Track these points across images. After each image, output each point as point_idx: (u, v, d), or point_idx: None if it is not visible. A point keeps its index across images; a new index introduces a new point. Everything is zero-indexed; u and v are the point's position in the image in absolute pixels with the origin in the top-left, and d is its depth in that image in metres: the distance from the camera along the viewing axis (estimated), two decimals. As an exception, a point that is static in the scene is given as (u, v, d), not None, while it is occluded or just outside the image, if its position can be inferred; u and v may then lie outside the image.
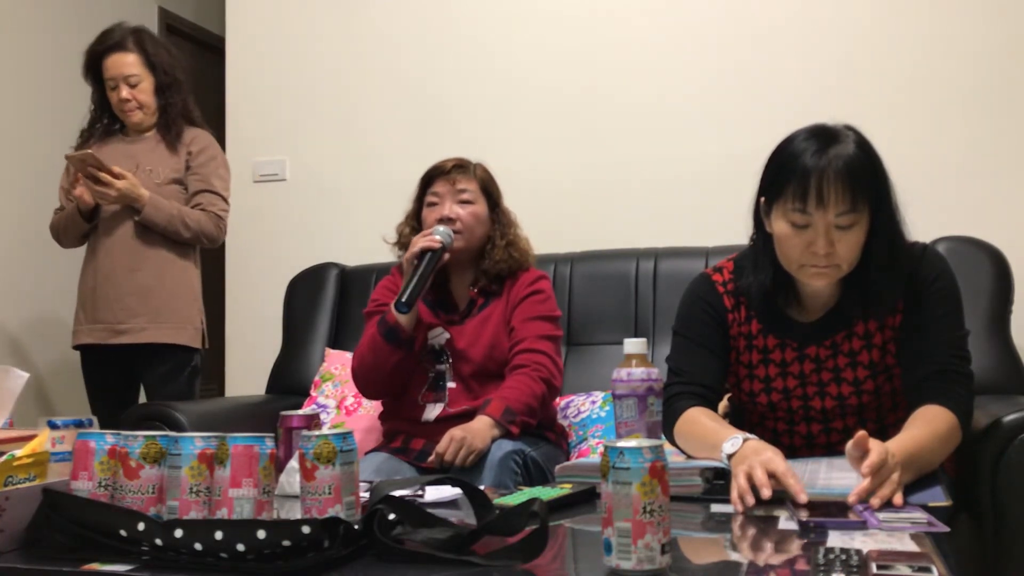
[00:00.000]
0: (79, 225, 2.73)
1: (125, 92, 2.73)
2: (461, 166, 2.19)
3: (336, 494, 1.18)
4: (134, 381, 2.80)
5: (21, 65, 3.65)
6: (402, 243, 2.22)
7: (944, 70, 2.71)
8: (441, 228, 2.10)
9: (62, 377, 3.61)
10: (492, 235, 2.18)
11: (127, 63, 2.73)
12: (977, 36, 2.69)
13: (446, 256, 2.09)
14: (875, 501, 1.26)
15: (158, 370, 2.72)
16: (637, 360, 1.53)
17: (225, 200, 2.80)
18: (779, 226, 1.55)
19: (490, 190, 2.21)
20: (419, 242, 2.07)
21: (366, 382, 2.15)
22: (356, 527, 1.10)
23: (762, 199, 1.61)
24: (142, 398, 2.85)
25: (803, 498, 1.28)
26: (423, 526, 1.17)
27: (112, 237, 2.69)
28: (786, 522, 1.23)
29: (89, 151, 2.61)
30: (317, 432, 1.21)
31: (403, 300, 2.00)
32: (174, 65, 2.81)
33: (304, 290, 2.91)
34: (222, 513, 1.17)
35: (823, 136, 1.53)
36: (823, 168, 1.49)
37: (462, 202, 2.15)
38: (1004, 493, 1.64)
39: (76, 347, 2.80)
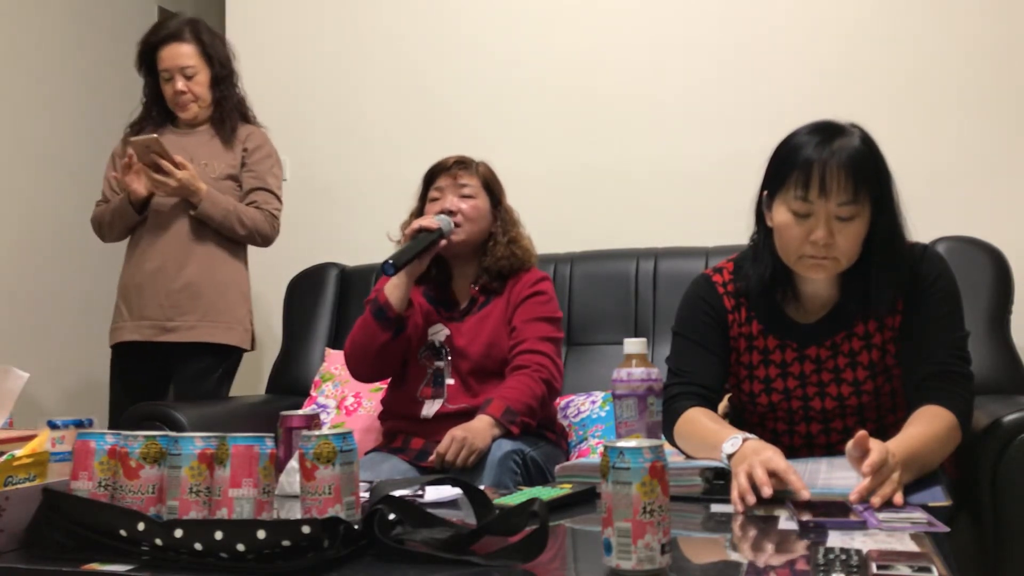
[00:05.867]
0: (129, 217, 2.62)
1: (181, 84, 2.63)
2: (463, 162, 2.20)
3: (336, 494, 1.17)
4: (167, 380, 2.71)
5: (21, 65, 3.65)
6: None
7: (944, 70, 2.71)
8: (442, 216, 2.11)
9: (67, 376, 3.62)
10: (494, 231, 2.19)
11: (183, 54, 2.63)
12: (976, 36, 2.69)
13: (443, 242, 2.09)
14: (876, 500, 1.27)
15: (191, 368, 2.62)
16: (637, 360, 1.53)
17: (279, 199, 2.72)
18: (780, 215, 1.56)
19: (492, 187, 2.21)
20: (417, 221, 2.09)
21: (354, 362, 2.16)
22: (356, 527, 1.10)
23: (764, 192, 1.62)
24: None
25: (806, 495, 1.28)
26: (423, 526, 1.17)
27: (164, 232, 2.59)
28: (786, 522, 1.23)
29: (154, 136, 2.50)
30: (317, 432, 1.21)
31: (390, 261, 1.99)
32: (230, 58, 2.72)
33: (304, 290, 2.91)
34: (222, 513, 1.17)
35: (828, 130, 1.54)
36: (827, 158, 1.50)
37: (463, 196, 2.16)
38: (1004, 493, 1.64)
39: (115, 344, 2.68)
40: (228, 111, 2.70)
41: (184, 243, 2.59)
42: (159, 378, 2.70)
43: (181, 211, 2.59)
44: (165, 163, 2.49)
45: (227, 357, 2.67)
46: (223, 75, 2.69)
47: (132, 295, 2.63)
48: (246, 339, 2.69)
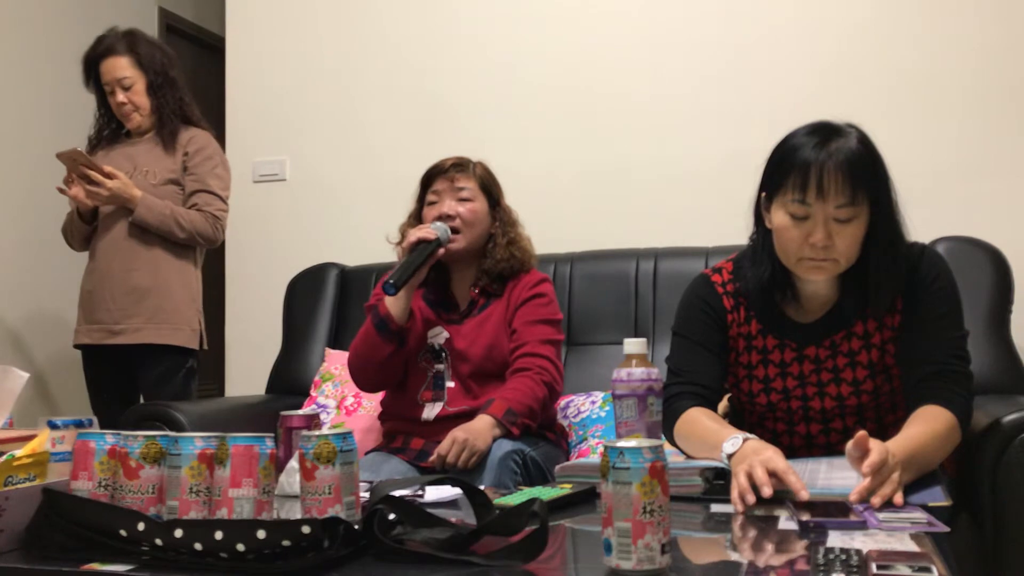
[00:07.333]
0: (81, 226, 2.74)
1: (121, 96, 2.74)
2: (460, 164, 2.19)
3: (336, 494, 1.17)
4: (134, 381, 2.80)
5: (21, 65, 3.65)
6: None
7: (944, 69, 2.71)
8: (439, 223, 2.11)
9: (65, 376, 3.61)
10: (494, 233, 2.19)
11: (119, 66, 2.74)
12: (976, 35, 2.69)
13: (441, 251, 2.09)
14: (876, 500, 1.27)
15: (153, 371, 2.71)
16: (637, 360, 1.53)
17: (223, 200, 2.78)
18: (778, 218, 1.56)
19: (490, 188, 2.21)
20: (414, 233, 2.08)
21: (358, 372, 2.16)
22: (356, 527, 1.10)
23: (762, 194, 1.62)
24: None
25: (805, 495, 1.28)
26: (423, 526, 1.17)
27: (109, 238, 2.70)
28: (786, 522, 1.23)
29: (78, 149, 2.60)
30: (317, 432, 1.20)
31: (390, 281, 2.00)
32: (166, 64, 2.79)
33: (304, 290, 2.91)
34: (222, 513, 1.17)
35: (825, 131, 1.54)
36: (824, 160, 1.49)
37: (461, 200, 2.15)
38: (1004, 493, 1.64)
39: (76, 347, 2.81)
40: (167, 116, 2.78)
41: (130, 248, 2.68)
42: (125, 379, 2.78)
43: (125, 218, 2.68)
44: (93, 174, 2.59)
45: (187, 357, 2.75)
46: (159, 82, 2.77)
47: (86, 299, 2.76)
48: (193, 339, 2.75)
